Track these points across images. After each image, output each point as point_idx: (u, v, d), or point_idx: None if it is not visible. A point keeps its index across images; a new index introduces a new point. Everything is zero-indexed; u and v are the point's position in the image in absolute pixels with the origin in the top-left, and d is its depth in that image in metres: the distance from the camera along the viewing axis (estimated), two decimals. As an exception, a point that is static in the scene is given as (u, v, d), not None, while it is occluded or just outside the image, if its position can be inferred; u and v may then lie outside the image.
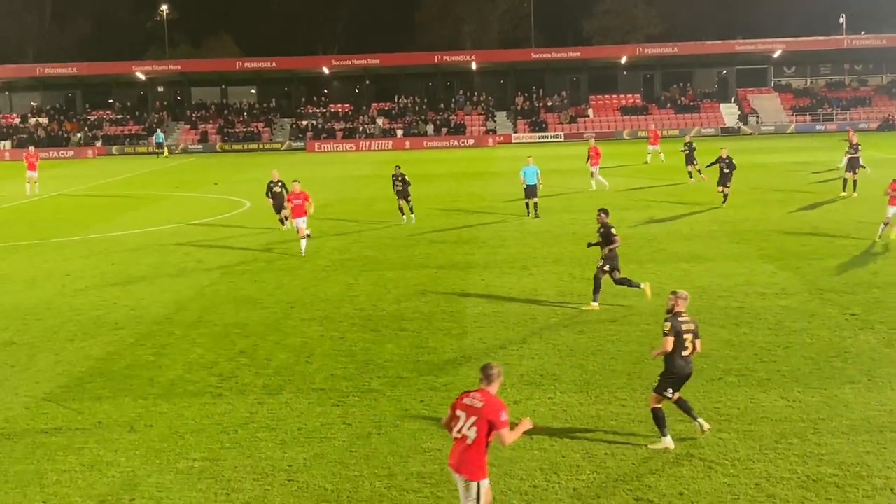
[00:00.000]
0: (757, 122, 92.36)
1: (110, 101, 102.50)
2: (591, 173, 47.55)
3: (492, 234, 34.10)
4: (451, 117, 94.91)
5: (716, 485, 12.69)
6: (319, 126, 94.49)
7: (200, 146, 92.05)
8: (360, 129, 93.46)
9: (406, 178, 37.66)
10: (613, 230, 22.38)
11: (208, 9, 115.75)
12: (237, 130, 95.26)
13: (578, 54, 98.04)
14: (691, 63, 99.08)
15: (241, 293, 25.43)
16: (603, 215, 22.58)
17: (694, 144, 50.17)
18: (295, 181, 32.09)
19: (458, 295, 24.20)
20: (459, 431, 10.28)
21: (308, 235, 30.96)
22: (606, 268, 22.21)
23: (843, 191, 41.69)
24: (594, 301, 22.31)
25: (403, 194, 37.53)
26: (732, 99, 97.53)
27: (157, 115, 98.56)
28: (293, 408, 16.25)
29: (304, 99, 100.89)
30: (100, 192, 53.79)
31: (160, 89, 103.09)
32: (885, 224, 29.68)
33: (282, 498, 12.66)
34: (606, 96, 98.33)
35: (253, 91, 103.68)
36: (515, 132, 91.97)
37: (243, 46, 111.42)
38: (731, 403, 15.82)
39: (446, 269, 27.84)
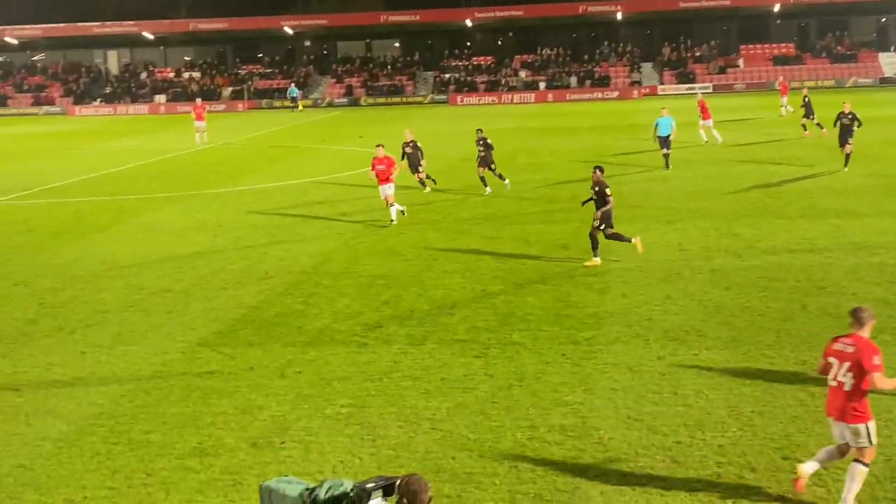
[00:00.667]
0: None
1: (259, 55, 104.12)
2: (703, 127, 46.51)
3: (636, 187, 33.69)
4: (594, 69, 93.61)
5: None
6: (462, 79, 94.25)
7: (345, 100, 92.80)
8: (503, 82, 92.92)
9: (488, 141, 34.70)
10: (608, 190, 22.30)
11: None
12: (381, 84, 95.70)
13: (728, 2, 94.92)
14: (848, 10, 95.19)
15: (385, 245, 25.74)
16: (598, 173, 22.55)
17: (809, 98, 47.28)
18: (379, 145, 29.66)
19: (600, 249, 24.03)
20: (835, 378, 10.25)
21: (395, 206, 28.43)
22: (601, 226, 22.25)
23: None
24: (595, 257, 22.35)
25: (486, 161, 34.32)
26: (893, 48, 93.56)
27: (303, 70, 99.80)
28: (436, 358, 16.45)
29: (446, 52, 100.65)
30: (250, 145, 54.97)
31: (307, 44, 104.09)
32: None
33: (426, 445, 12.85)
34: (758, 46, 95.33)
35: (396, 45, 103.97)
36: (661, 84, 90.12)
37: (388, 0, 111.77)
38: (887, 364, 15.43)
39: (588, 222, 27.57)
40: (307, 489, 8.44)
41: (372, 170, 29.00)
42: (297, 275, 22.79)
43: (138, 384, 15.79)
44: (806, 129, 46.36)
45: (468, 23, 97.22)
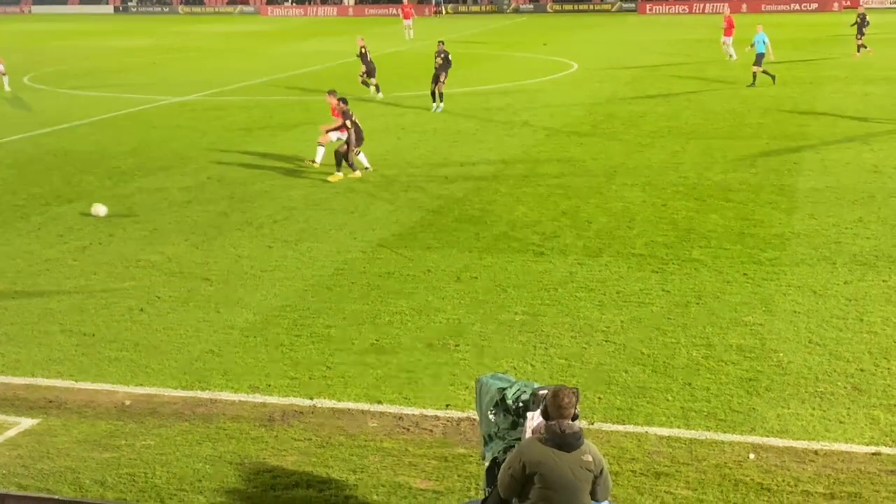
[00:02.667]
0: None
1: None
2: (724, 43, 46.17)
3: (831, 104, 32.42)
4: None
5: None
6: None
7: (531, 6, 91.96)
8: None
9: (448, 56, 33.72)
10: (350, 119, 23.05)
11: None
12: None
13: None
14: None
15: (566, 155, 25.52)
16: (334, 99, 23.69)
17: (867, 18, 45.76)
18: (330, 92, 26.21)
19: (789, 168, 23.31)
20: None
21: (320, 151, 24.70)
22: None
23: None
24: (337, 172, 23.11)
25: (436, 79, 33.39)
26: None
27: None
28: (612, 271, 16.29)
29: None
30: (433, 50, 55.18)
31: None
32: None
33: (598, 357, 12.80)
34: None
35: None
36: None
37: None
38: None
39: (779, 139, 26.81)
40: (508, 385, 8.54)
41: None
42: (476, 181, 22.83)
43: (321, 280, 16.16)
44: (858, 51, 45.81)
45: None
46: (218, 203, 21.23)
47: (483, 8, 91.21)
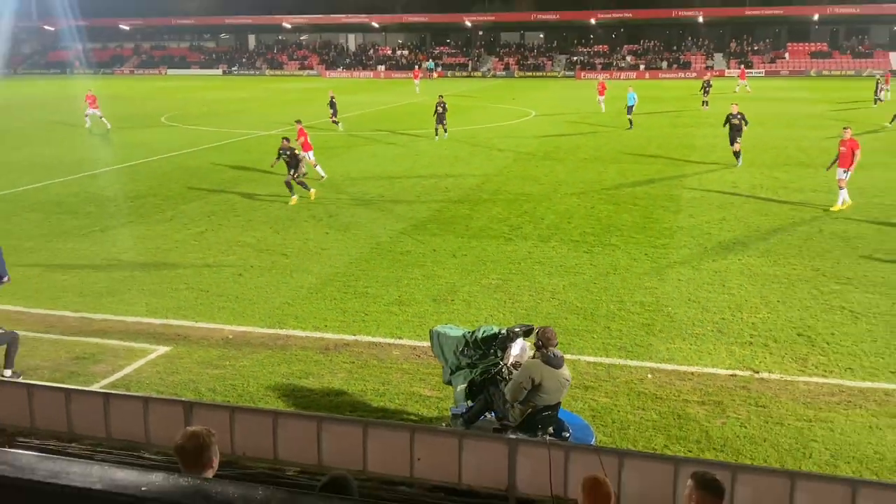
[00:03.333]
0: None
1: (447, 40, 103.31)
2: (599, 101, 45.50)
3: (704, 142, 32.35)
4: (680, 56, 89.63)
5: (860, 329, 11.86)
6: (585, 61, 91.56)
7: (504, 73, 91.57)
8: (614, 63, 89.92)
9: (446, 105, 34.23)
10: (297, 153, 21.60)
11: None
12: (529, 62, 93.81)
13: (781, 11, 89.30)
14: (870, 20, 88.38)
15: (527, 173, 25.50)
16: (284, 142, 21.47)
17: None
18: (297, 121, 25.85)
19: (676, 183, 23.30)
20: None
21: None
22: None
23: None
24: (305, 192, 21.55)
25: (439, 119, 33.79)
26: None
27: (476, 51, 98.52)
28: (557, 252, 16.33)
29: (575, 41, 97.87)
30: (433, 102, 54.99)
31: (480, 33, 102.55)
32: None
33: (547, 309, 12.85)
34: (800, 44, 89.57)
35: (541, 35, 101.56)
36: (727, 68, 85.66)
37: (538, 3, 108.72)
38: (877, 273, 14.61)
39: (669, 164, 26.78)
40: (468, 332, 8.56)
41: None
42: (466, 191, 22.83)
43: (361, 255, 16.20)
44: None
45: (592, 21, 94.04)
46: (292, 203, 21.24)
47: (470, 73, 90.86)
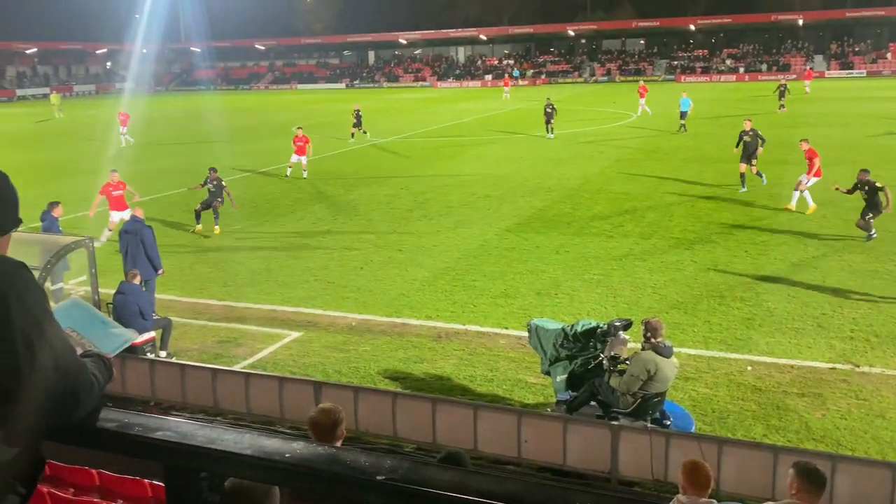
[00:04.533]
0: None
1: (551, 49, 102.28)
2: (640, 104, 42.94)
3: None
4: (780, 59, 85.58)
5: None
6: (685, 65, 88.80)
7: (605, 78, 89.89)
8: (714, 67, 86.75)
9: (554, 105, 34.50)
10: None
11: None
12: (630, 67, 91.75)
13: (883, 12, 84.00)
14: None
15: (628, 173, 24.97)
16: (212, 172, 18.75)
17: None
18: (298, 127, 26.24)
19: (775, 180, 22.26)
20: None
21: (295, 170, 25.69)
22: None
23: None
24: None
25: (548, 118, 34.08)
26: None
27: (579, 59, 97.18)
28: (658, 248, 15.94)
29: (676, 46, 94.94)
30: (538, 107, 54.51)
31: (582, 41, 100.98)
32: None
33: (649, 303, 12.58)
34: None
35: (642, 41, 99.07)
36: (828, 69, 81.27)
37: (638, 10, 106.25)
38: (984, 270, 13.58)
39: (764, 159, 25.58)
40: (566, 325, 8.48)
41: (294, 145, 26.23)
42: (568, 190, 22.57)
43: (469, 251, 16.27)
44: None
45: (691, 27, 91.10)
46: (407, 204, 21.54)
47: (575, 79, 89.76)
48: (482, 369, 10.18)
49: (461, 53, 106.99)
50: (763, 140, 22.16)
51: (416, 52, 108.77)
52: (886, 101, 46.42)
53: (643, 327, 7.70)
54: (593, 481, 6.75)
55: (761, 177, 21.71)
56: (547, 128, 34.99)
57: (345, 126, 40.07)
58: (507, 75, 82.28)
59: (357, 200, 22.33)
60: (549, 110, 34.83)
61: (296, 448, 1.83)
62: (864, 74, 78.24)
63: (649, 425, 7.31)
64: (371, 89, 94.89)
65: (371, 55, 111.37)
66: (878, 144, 28.73)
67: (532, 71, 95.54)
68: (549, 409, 8.47)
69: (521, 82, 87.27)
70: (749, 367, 9.93)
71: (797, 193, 18.63)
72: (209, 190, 18.74)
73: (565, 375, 8.32)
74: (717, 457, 6.43)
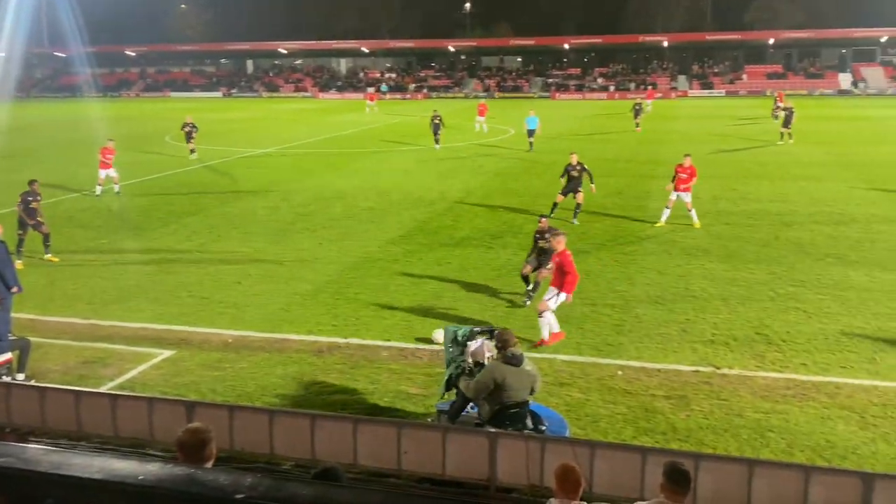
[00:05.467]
0: (864, 87, 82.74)
1: (432, 64, 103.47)
2: (477, 122, 43.47)
3: (669, 155, 32.51)
4: (647, 78, 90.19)
5: (813, 328, 12.00)
6: (559, 83, 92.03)
7: (485, 94, 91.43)
8: (586, 85, 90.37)
9: (441, 118, 36.01)
10: None
11: (494, 4, 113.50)
12: (508, 84, 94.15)
13: (739, 36, 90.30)
14: (820, 44, 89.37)
15: (507, 187, 25.54)
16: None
17: (794, 109, 36.79)
18: (110, 139, 24.96)
19: (643, 193, 23.37)
20: None
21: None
22: None
23: None
24: None
25: (435, 129, 35.71)
26: (848, 70, 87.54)
27: (460, 74, 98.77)
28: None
29: (550, 64, 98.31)
30: (425, 121, 54.87)
31: (462, 57, 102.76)
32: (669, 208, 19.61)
33: (525, 312, 12.84)
34: (757, 66, 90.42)
35: (519, 59, 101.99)
36: (690, 89, 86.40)
37: (515, 29, 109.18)
38: (828, 276, 14.78)
39: (632, 174, 26.84)
40: (455, 330, 8.57)
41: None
42: (450, 203, 22.85)
43: (352, 264, 16.17)
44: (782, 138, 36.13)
45: (566, 46, 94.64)
46: (287, 217, 21.19)
47: (455, 94, 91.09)
48: (364, 382, 10.13)
49: (343, 65, 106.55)
50: (590, 175, 20.57)
51: (297, 62, 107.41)
52: (722, 118, 49.76)
53: (494, 338, 7.88)
54: (472, 489, 6.84)
55: (575, 215, 20.17)
56: (435, 139, 36.13)
57: (223, 136, 39.05)
58: (371, 89, 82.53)
59: (234, 213, 21.76)
60: (436, 122, 36.06)
61: (151, 470, 1.76)
62: (724, 94, 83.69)
63: (526, 431, 7.48)
64: (250, 99, 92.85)
65: (249, 64, 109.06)
66: (734, 160, 30.72)
67: (414, 85, 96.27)
68: (429, 420, 8.52)
69: (388, 97, 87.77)
70: (619, 372, 10.35)
71: (692, 211, 19.31)
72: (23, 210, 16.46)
73: (444, 379, 8.42)
74: (589, 460, 6.65)
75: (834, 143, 35.62)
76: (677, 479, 4.85)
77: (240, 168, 31.05)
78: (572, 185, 20.34)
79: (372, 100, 65.71)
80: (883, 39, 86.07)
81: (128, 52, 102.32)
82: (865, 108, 60.19)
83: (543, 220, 13.94)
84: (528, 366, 7.66)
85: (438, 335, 11.28)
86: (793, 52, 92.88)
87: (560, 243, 11.63)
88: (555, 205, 20.49)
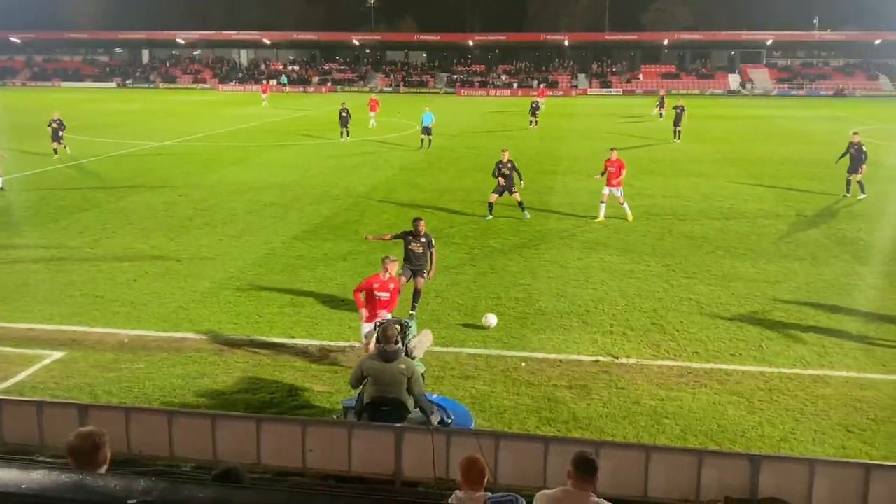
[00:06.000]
0: (751, 88, 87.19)
1: (336, 57, 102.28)
2: (371, 118, 43.84)
3: (569, 151, 33.33)
4: (549, 76, 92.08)
5: (705, 318, 12.55)
6: (464, 79, 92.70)
7: (389, 89, 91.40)
8: (490, 82, 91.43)
9: (349, 111, 36.78)
10: None
11: None
12: (413, 79, 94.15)
13: (636, 37, 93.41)
14: (711, 46, 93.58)
15: (412, 182, 25.58)
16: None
17: (684, 108, 38.06)
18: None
19: (546, 189, 23.86)
20: None
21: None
22: None
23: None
24: None
25: (343, 122, 36.30)
26: (737, 71, 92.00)
27: (365, 69, 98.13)
28: (441, 253, 16.17)
29: (455, 60, 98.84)
30: (329, 115, 54.18)
31: (367, 51, 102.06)
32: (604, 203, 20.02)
33: (432, 306, 12.89)
34: (653, 66, 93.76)
35: (424, 55, 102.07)
36: (590, 87, 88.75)
37: (420, 24, 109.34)
38: (718, 268, 15.50)
39: (538, 169, 27.37)
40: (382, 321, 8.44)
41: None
42: (356, 198, 22.70)
43: (255, 260, 15.85)
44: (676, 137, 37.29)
45: (470, 42, 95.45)
46: (185, 212, 20.54)
47: (360, 88, 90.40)
48: (268, 381, 9.94)
49: (244, 56, 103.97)
50: (519, 174, 20.32)
51: (196, 52, 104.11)
52: (616, 116, 51.56)
53: (378, 331, 7.85)
54: (378, 485, 6.82)
55: (523, 210, 20.09)
56: (344, 131, 36.51)
57: (117, 127, 37.47)
58: (265, 81, 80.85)
59: (130, 208, 20.93)
60: (343, 115, 36.50)
61: (35, 478, 1.67)
62: (621, 93, 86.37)
63: (432, 426, 7.51)
64: (146, 90, 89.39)
65: (145, 54, 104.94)
66: (631, 157, 31.78)
67: (317, 78, 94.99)
68: (335, 417, 8.45)
69: (288, 89, 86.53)
70: (523, 364, 10.55)
71: (625, 205, 19.79)
72: None
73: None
74: (494, 451, 6.75)
75: (723, 141, 37.34)
76: (585, 468, 4.97)
77: (135, 161, 29.88)
78: (507, 184, 19.79)
79: (265, 92, 63.24)
80: (768, 42, 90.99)
81: (12, 39, 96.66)
82: (752, 107, 63.37)
83: (420, 221, 12.82)
84: (401, 364, 7.50)
85: (491, 319, 11.50)
86: (685, 54, 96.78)
87: (392, 268, 10.66)
88: (490, 205, 19.94)
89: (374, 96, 43.69)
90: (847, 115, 54.18)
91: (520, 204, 19.93)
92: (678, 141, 36.70)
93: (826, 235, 18.32)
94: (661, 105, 48.64)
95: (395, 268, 10.78)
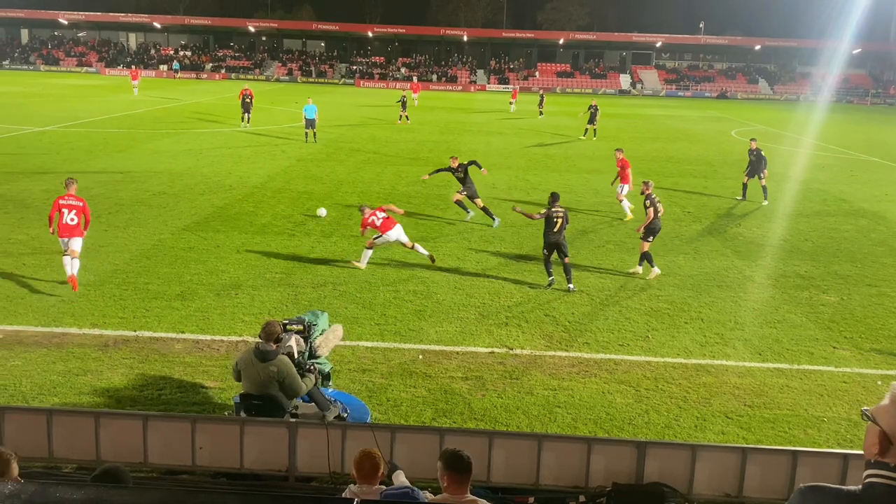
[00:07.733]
0: (641, 88, 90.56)
1: (231, 44, 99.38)
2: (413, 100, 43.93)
3: (470, 145, 33.68)
4: (448, 71, 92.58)
5: (595, 309, 12.95)
6: (363, 70, 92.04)
7: (287, 78, 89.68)
8: (390, 74, 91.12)
9: (252, 95, 37.29)
10: None
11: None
12: (311, 69, 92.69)
13: (532, 35, 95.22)
14: (604, 46, 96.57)
15: (310, 173, 25.22)
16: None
17: (598, 107, 39.53)
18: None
19: (444, 183, 24.02)
20: None
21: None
22: None
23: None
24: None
25: (246, 108, 36.48)
26: (628, 72, 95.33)
27: (260, 56, 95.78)
28: (339, 246, 16.30)
29: (355, 52, 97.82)
30: (223, 102, 52.61)
31: (263, 38, 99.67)
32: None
33: (329, 300, 12.77)
34: (548, 64, 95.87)
35: (322, 44, 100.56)
36: (488, 83, 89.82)
37: (318, 13, 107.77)
38: (608, 262, 16.01)
39: (436, 163, 27.48)
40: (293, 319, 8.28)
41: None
42: (250, 188, 22.18)
43: (142, 252, 15.25)
44: (585, 133, 38.94)
45: (370, 34, 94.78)
46: (69, 200, 19.49)
47: (256, 76, 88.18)
48: (155, 377, 9.58)
49: (133, 40, 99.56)
50: (479, 165, 20.11)
51: (80, 34, 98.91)
52: (515, 112, 52.67)
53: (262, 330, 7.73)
54: (270, 481, 6.71)
55: (492, 217, 19.15)
56: (245, 117, 36.89)
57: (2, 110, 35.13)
58: (133, 66, 77.64)
59: (7, 196, 19.72)
60: (247, 101, 36.94)
61: None
62: (518, 89, 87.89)
63: (327, 420, 7.44)
64: (24, 72, 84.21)
65: (24, 34, 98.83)
66: (527, 153, 32.43)
67: (210, 65, 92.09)
68: (227, 413, 8.24)
69: (180, 76, 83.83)
70: (420, 356, 10.59)
71: (624, 203, 20.28)
72: None
73: None
74: (390, 444, 6.75)
75: (614, 139, 38.52)
76: (456, 464, 4.63)
77: (12, 147, 28.14)
78: (469, 192, 18.85)
79: (135, 78, 57.54)
80: (658, 45, 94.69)
81: None
82: (642, 107, 65.82)
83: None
84: (273, 367, 7.28)
85: (321, 211, 11.48)
86: (580, 53, 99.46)
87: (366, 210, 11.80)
88: (459, 203, 19.21)
89: (246, 87, 40.03)
90: (729, 116, 57.09)
91: (484, 209, 18.96)
92: (594, 139, 37.79)
93: (709, 231, 19.25)
94: (541, 104, 50.44)
95: (367, 210, 14.24)
